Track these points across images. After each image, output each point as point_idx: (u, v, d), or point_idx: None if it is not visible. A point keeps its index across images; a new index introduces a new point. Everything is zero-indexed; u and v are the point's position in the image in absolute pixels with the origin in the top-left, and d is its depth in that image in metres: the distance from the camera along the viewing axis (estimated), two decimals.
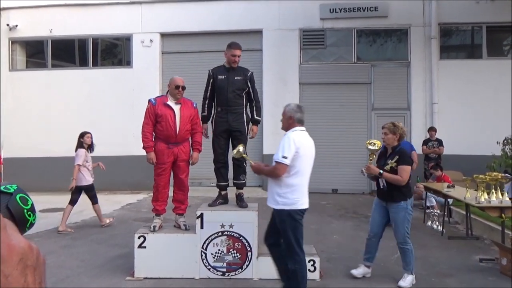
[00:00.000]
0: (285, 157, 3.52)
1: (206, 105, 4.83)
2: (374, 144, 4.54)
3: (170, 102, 4.71)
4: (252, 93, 4.82)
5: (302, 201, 3.66)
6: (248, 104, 4.87)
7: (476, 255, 5.50)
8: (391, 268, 4.98)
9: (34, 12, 11.80)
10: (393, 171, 4.41)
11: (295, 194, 3.61)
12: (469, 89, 10.62)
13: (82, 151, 6.89)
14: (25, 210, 1.05)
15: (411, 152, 7.94)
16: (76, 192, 6.90)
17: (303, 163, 3.63)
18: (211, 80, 4.79)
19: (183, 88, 4.71)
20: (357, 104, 11.07)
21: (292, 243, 3.64)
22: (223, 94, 4.69)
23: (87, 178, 6.94)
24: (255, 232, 4.58)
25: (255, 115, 4.86)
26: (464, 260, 5.32)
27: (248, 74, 4.78)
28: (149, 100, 4.80)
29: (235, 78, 4.69)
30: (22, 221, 1.03)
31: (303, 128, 3.78)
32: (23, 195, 1.07)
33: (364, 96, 11.11)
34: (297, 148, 3.56)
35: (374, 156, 4.60)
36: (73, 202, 6.89)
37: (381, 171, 4.41)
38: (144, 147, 4.74)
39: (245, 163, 4.81)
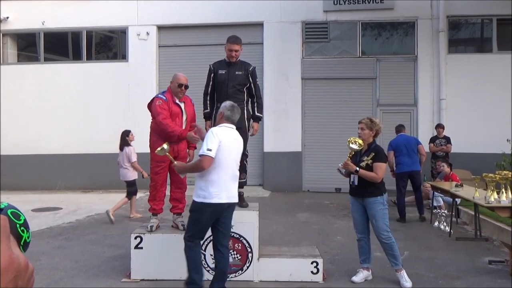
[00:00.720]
0: (209, 150, 3.73)
1: (208, 101, 4.84)
2: (356, 143, 4.55)
3: (177, 100, 4.73)
4: (253, 88, 4.82)
5: (220, 196, 3.81)
6: (250, 100, 4.88)
7: (485, 257, 5.51)
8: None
9: (25, 4, 11.78)
10: (369, 168, 4.49)
11: (214, 188, 3.80)
12: (479, 84, 10.61)
13: (131, 148, 7.61)
14: (18, 225, 1.04)
15: (417, 145, 7.97)
16: (129, 185, 7.72)
17: (224, 158, 3.82)
18: (212, 75, 4.80)
19: (186, 87, 4.71)
20: (362, 100, 11.06)
21: (189, 233, 3.93)
22: (223, 89, 4.70)
23: (131, 174, 7.67)
24: (255, 232, 4.59)
25: (256, 112, 4.87)
26: (473, 262, 5.33)
27: (250, 69, 4.78)
28: (158, 97, 4.74)
29: (236, 72, 4.70)
30: (16, 237, 1.02)
31: (230, 125, 3.97)
32: (14, 210, 1.07)
33: (369, 92, 11.11)
34: (219, 141, 3.78)
35: (353, 153, 4.65)
36: (130, 194, 7.73)
37: (357, 168, 4.48)
38: (178, 135, 4.56)
39: (245, 161, 4.84)
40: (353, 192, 4.69)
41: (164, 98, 4.69)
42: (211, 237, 4.55)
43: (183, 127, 4.71)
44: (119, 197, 10.18)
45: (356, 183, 4.57)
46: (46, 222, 7.33)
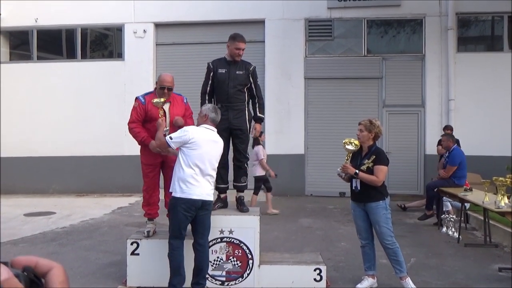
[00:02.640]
0: (171, 138, 4.08)
1: (206, 101, 4.80)
2: (352, 143, 4.58)
3: None
4: (254, 89, 4.84)
5: (190, 192, 4.04)
6: (251, 100, 4.89)
7: (495, 264, 5.52)
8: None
9: (18, 0, 11.84)
10: (370, 171, 4.52)
11: (184, 184, 4.04)
12: (489, 84, 10.62)
13: (260, 147, 8.57)
14: None
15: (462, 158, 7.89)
16: (256, 181, 8.53)
17: (195, 156, 4.04)
18: (211, 74, 4.78)
19: (169, 89, 4.66)
20: (367, 101, 11.08)
21: (169, 232, 4.22)
22: (224, 89, 4.71)
23: (260, 170, 8.51)
24: (256, 238, 4.60)
25: (258, 113, 4.87)
26: (482, 269, 5.34)
27: (251, 69, 4.79)
28: (137, 98, 4.76)
29: (237, 72, 4.70)
30: None
31: (210, 127, 4.23)
32: None
33: (375, 92, 11.13)
34: (190, 138, 4.03)
35: (351, 155, 4.68)
36: (258, 189, 8.55)
37: (357, 171, 4.51)
38: (141, 141, 4.69)
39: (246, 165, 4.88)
40: (355, 197, 4.71)
41: (142, 100, 4.69)
42: (210, 244, 4.58)
43: (167, 129, 4.70)
44: (115, 201, 10.27)
45: (359, 188, 4.58)
46: (39, 227, 7.35)
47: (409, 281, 4.54)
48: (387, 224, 4.53)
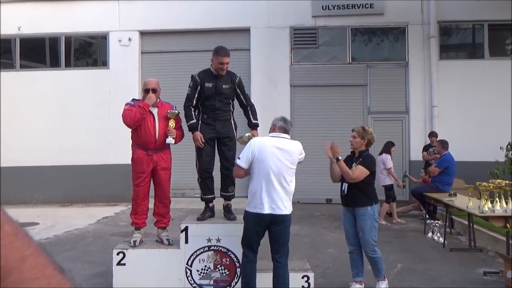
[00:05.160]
0: (239, 158, 4.02)
1: (194, 113, 4.74)
2: (243, 137, 4.50)
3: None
4: (244, 99, 4.85)
5: (254, 206, 3.99)
6: (243, 110, 4.88)
7: (479, 268, 5.59)
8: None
9: (0, 8, 11.70)
10: None
11: (252, 197, 4.01)
12: (471, 91, 10.81)
13: (387, 156, 8.59)
14: None
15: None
16: (386, 190, 8.59)
17: (260, 168, 3.96)
18: (199, 88, 4.71)
19: (153, 90, 4.67)
20: (352, 108, 11.19)
21: (242, 244, 4.18)
22: (210, 103, 4.70)
23: (388, 180, 8.57)
24: None
25: (252, 120, 4.84)
26: (467, 274, 5.41)
27: (236, 81, 4.77)
28: (127, 103, 4.77)
29: (223, 86, 4.67)
30: None
31: (279, 134, 4.13)
32: None
33: (360, 99, 11.24)
34: (253, 151, 3.97)
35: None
36: (389, 198, 8.56)
37: (339, 157, 4.69)
38: (137, 116, 4.56)
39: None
40: (344, 201, 4.81)
41: (132, 103, 4.72)
42: (197, 252, 4.56)
43: (156, 132, 4.66)
44: (100, 210, 10.14)
45: (345, 191, 4.67)
46: None
47: (384, 283, 4.65)
48: (371, 233, 4.60)
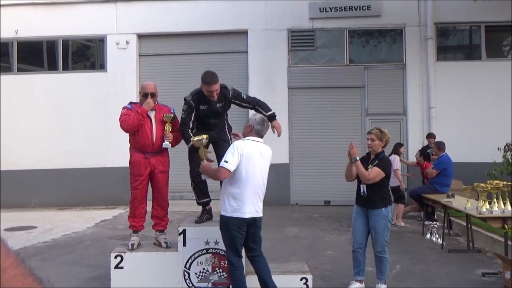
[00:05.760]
0: (226, 162, 3.89)
1: (190, 133, 4.61)
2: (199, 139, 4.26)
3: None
4: (247, 103, 4.80)
5: (242, 210, 3.93)
6: (254, 111, 4.78)
7: (478, 269, 5.59)
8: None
9: None
10: None
11: (235, 202, 3.94)
12: (468, 92, 10.85)
13: (396, 157, 8.59)
14: None
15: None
16: (393, 192, 8.25)
17: (246, 172, 3.93)
18: (194, 112, 4.63)
19: (152, 95, 4.69)
20: (350, 110, 11.20)
21: (226, 251, 4.10)
22: (206, 122, 4.70)
23: (394, 180, 8.11)
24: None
25: (265, 113, 4.64)
26: (466, 275, 5.41)
27: (229, 96, 4.68)
28: (124, 107, 4.80)
29: (217, 105, 4.63)
30: None
31: (257, 138, 4.10)
32: None
33: (357, 101, 11.26)
34: (241, 155, 3.91)
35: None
36: (398, 199, 8.35)
37: (357, 158, 4.67)
38: (135, 121, 4.57)
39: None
40: (360, 201, 4.82)
41: (129, 107, 4.74)
42: (195, 255, 4.55)
43: (153, 136, 4.66)
44: (98, 213, 10.12)
45: (366, 193, 4.70)
46: (20, 242, 7.19)
47: (383, 287, 4.68)
48: (383, 233, 4.65)
